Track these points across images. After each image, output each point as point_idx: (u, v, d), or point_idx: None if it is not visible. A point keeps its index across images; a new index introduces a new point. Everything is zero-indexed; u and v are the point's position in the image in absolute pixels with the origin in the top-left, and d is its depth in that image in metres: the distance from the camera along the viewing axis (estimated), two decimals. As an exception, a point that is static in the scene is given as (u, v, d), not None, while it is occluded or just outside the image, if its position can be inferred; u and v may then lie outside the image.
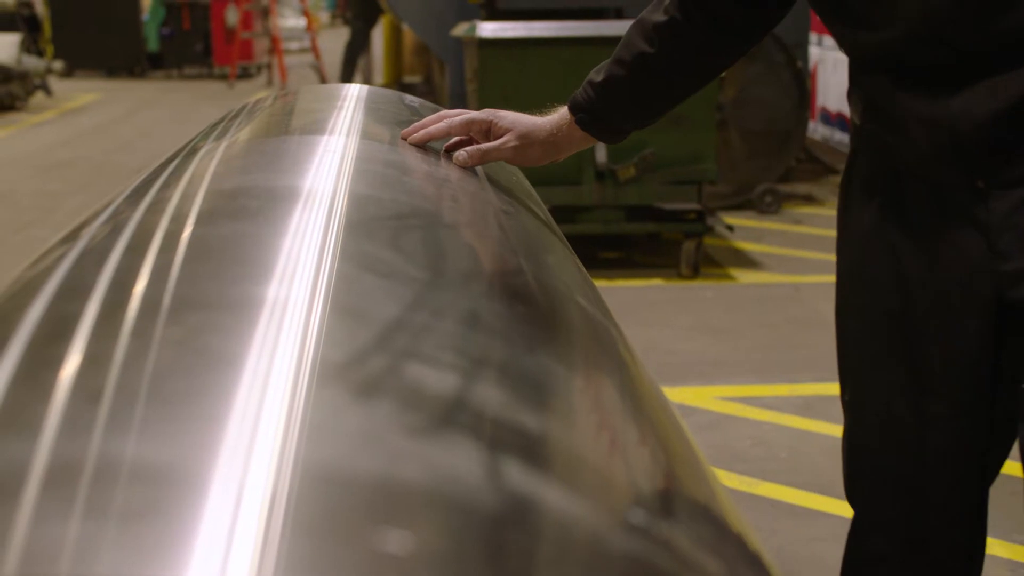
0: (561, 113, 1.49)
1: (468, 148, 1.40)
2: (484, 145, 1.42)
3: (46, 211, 6.32)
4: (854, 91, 1.42)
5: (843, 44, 1.39)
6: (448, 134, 1.41)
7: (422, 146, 1.39)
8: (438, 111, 1.84)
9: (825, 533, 2.80)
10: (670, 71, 1.46)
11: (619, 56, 1.46)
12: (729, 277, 5.10)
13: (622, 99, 1.46)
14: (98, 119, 10.40)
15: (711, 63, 1.51)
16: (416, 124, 1.40)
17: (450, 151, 1.42)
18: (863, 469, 1.66)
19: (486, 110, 1.45)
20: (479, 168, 1.48)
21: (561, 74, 5.05)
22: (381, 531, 0.46)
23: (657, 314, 4.51)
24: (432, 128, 1.40)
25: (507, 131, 1.43)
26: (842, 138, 8.24)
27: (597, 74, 1.49)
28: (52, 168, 7.81)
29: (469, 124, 1.43)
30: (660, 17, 1.43)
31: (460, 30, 5.39)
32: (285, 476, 0.48)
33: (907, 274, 1.40)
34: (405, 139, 1.38)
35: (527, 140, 1.45)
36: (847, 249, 1.51)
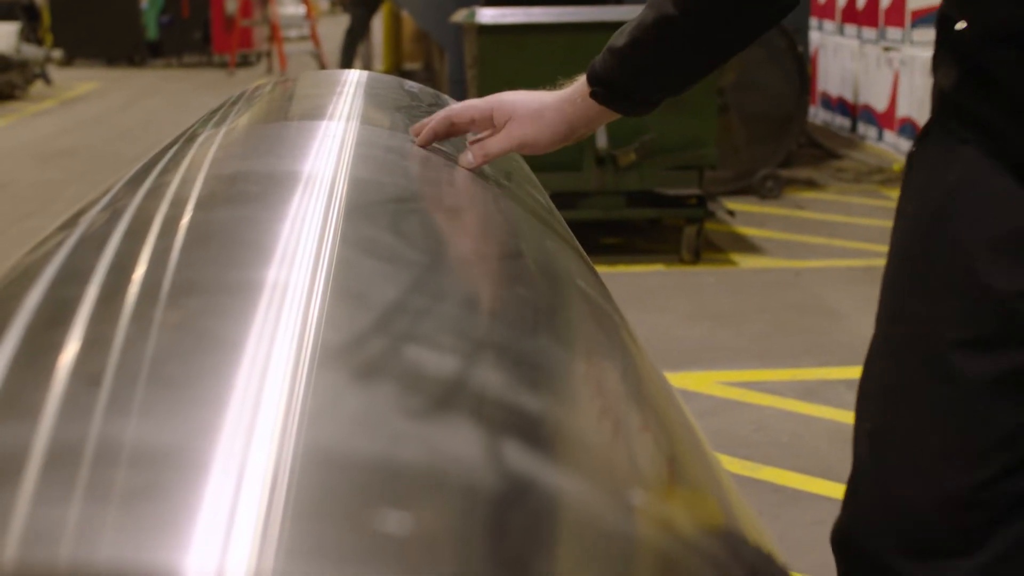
0: (574, 87, 1.32)
1: (473, 148, 1.27)
2: (488, 141, 1.28)
3: (46, 200, 6.32)
4: (950, 57, 1.23)
5: (964, 8, 1.21)
6: (452, 129, 1.29)
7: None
8: (438, 96, 1.84)
9: (827, 517, 2.80)
10: (701, 32, 1.28)
11: (642, 18, 1.29)
12: (730, 262, 5.10)
13: (647, 66, 1.29)
14: (98, 108, 10.39)
15: (747, 20, 1.31)
16: (415, 127, 1.29)
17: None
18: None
19: (487, 98, 1.31)
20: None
21: (561, 60, 5.04)
22: (382, 513, 0.46)
23: (658, 299, 4.51)
24: (432, 123, 1.27)
25: (509, 118, 1.29)
26: (843, 123, 8.23)
27: (619, 38, 1.31)
28: (52, 157, 7.80)
29: (471, 122, 1.30)
30: None
31: (459, 16, 5.38)
32: (286, 458, 0.48)
33: (982, 283, 1.19)
34: (416, 135, 1.28)
35: (535, 125, 1.29)
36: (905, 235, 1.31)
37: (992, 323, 1.19)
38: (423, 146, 1.26)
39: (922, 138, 1.30)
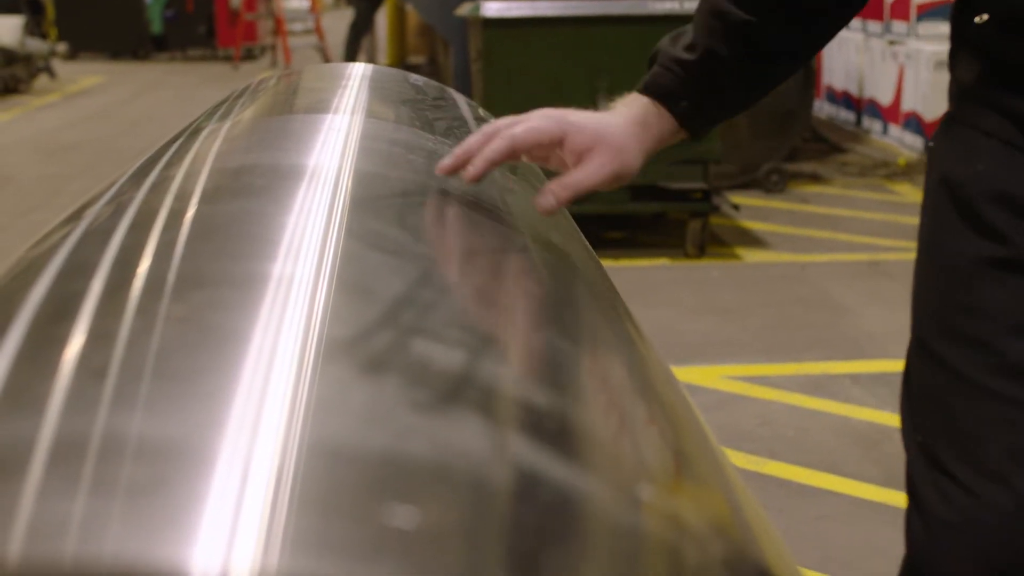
0: (639, 109, 1.17)
1: (554, 187, 1.09)
2: (573, 177, 1.10)
3: (50, 194, 6.32)
4: (970, 51, 1.20)
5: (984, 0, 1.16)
6: (512, 157, 1.08)
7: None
8: (443, 90, 1.83)
9: (832, 511, 2.80)
10: (775, 44, 1.19)
11: (711, 26, 1.18)
12: (735, 257, 5.09)
13: (724, 80, 1.19)
14: (102, 102, 10.40)
15: (827, 17, 1.23)
16: (460, 152, 1.06)
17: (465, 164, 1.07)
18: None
19: (551, 121, 1.11)
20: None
21: (566, 54, 5.03)
22: (389, 507, 0.46)
23: (663, 294, 4.51)
24: (489, 152, 1.06)
25: (590, 148, 1.11)
26: (848, 116, 8.21)
27: (679, 49, 1.19)
28: (56, 151, 7.81)
29: (535, 144, 1.10)
30: None
31: (464, 10, 5.37)
32: (292, 452, 0.48)
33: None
34: (446, 173, 1.05)
35: (620, 157, 1.13)
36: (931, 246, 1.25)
37: None
38: (477, 179, 1.05)
39: (941, 133, 1.27)
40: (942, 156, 1.25)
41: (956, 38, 1.24)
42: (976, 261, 1.19)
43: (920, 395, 1.30)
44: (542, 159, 1.14)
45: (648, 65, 1.22)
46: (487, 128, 1.08)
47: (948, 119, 1.26)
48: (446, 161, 1.05)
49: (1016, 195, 1.15)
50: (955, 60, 1.25)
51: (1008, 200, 1.15)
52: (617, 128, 1.14)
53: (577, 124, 1.11)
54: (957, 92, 1.25)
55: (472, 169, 1.04)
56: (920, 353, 1.29)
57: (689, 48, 1.18)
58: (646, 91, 1.18)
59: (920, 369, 1.29)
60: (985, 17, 1.17)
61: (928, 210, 1.27)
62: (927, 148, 1.31)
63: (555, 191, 1.09)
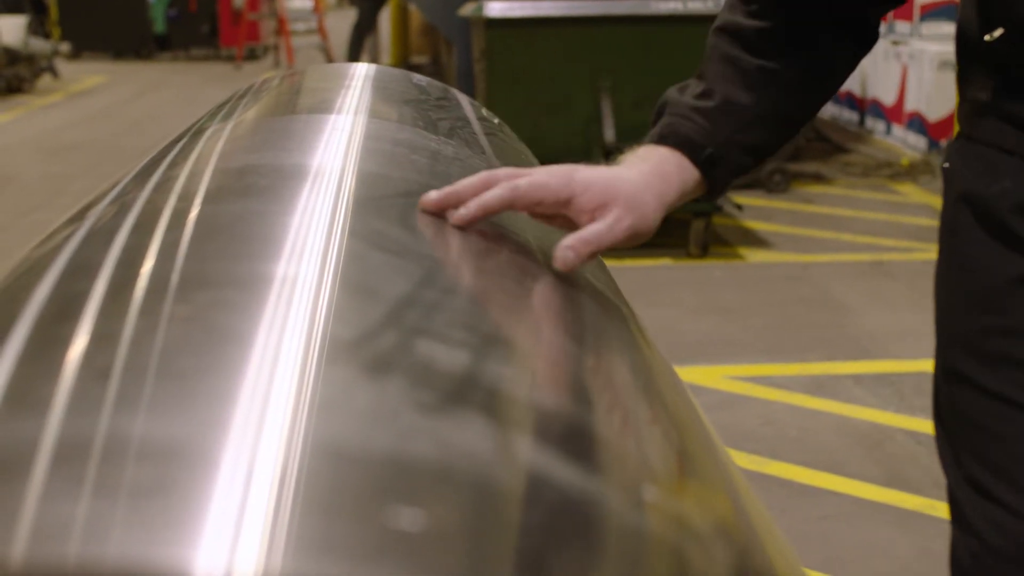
0: (657, 160, 1.09)
1: (571, 242, 0.97)
2: (591, 232, 1.00)
3: (53, 194, 6.33)
4: (983, 68, 1.18)
5: (999, 15, 1.14)
6: (509, 208, 0.99)
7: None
8: (446, 90, 1.83)
9: (835, 511, 2.80)
10: (795, 83, 1.16)
11: (723, 73, 1.14)
12: (738, 256, 5.09)
13: (746, 126, 1.13)
14: (105, 101, 10.41)
15: (844, 52, 1.20)
16: (451, 191, 0.95)
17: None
18: None
19: (557, 174, 1.01)
20: (487, 147, 1.46)
21: (569, 54, 5.03)
22: (393, 508, 0.46)
23: (666, 294, 4.51)
24: (488, 198, 0.96)
25: (603, 204, 1.01)
26: (851, 117, 8.21)
27: (689, 96, 1.14)
28: (60, 151, 7.81)
29: (538, 201, 1.00)
30: (752, 22, 1.16)
31: (467, 10, 5.37)
32: (295, 453, 0.48)
33: None
34: (429, 211, 0.94)
35: (640, 210, 1.04)
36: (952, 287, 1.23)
37: None
38: (466, 223, 0.94)
39: (957, 153, 1.24)
40: (961, 175, 1.22)
41: (966, 56, 1.21)
42: (1012, 280, 1.15)
43: (958, 425, 1.24)
44: (544, 218, 1.04)
45: (655, 117, 1.15)
46: (485, 174, 0.99)
47: (962, 138, 1.24)
48: (433, 195, 0.94)
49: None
50: (966, 79, 1.22)
51: None
52: (631, 183, 1.05)
53: (585, 182, 1.01)
54: (970, 111, 1.22)
55: (465, 211, 0.94)
56: (952, 381, 1.24)
57: (703, 95, 1.13)
58: (663, 141, 1.10)
59: (954, 398, 1.24)
60: (998, 33, 1.14)
61: (949, 231, 1.24)
62: (942, 170, 1.27)
63: (575, 247, 0.97)
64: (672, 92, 1.16)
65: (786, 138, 1.19)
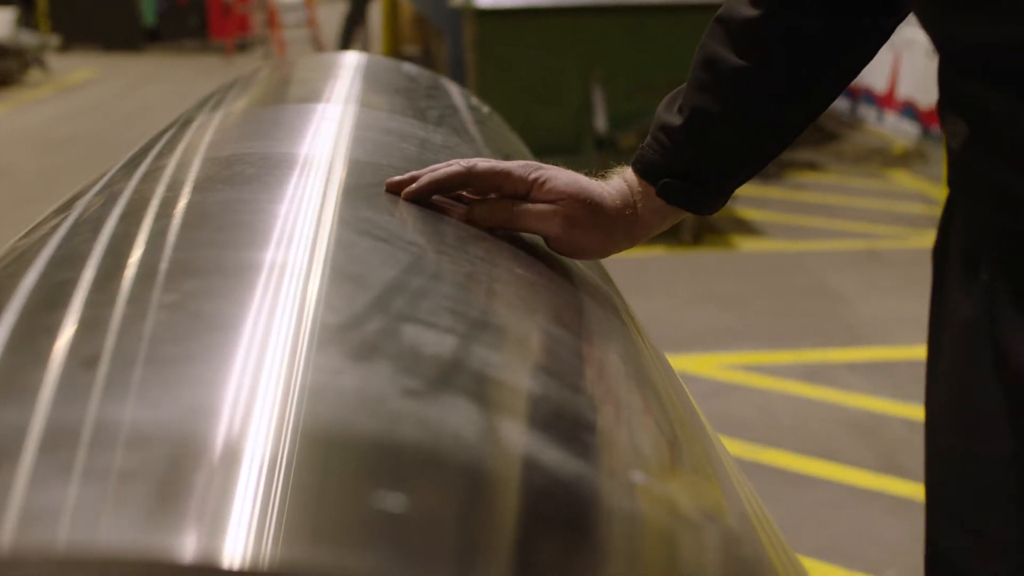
0: (623, 180, 1.02)
1: (494, 203, 0.96)
2: (522, 206, 0.96)
3: (45, 188, 6.31)
4: (954, 107, 0.93)
5: (951, 39, 0.90)
6: (462, 186, 0.96)
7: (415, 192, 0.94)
8: (436, 79, 1.83)
9: (828, 498, 2.81)
10: (779, 89, 1.00)
11: (700, 80, 1.00)
12: (731, 245, 5.09)
13: (719, 143, 1.00)
14: (95, 94, 10.38)
15: (838, 61, 1.02)
16: (416, 172, 0.95)
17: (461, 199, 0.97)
18: None
19: (525, 162, 0.98)
20: (477, 136, 1.45)
21: (560, 44, 5.02)
22: (381, 493, 0.45)
23: (659, 283, 4.51)
24: (439, 173, 0.94)
25: (560, 196, 0.97)
26: (842, 104, 8.21)
27: (670, 113, 1.02)
28: (50, 145, 7.79)
29: (497, 176, 0.96)
30: (749, 11, 0.99)
31: (458, 0, 5.35)
32: (284, 438, 0.48)
33: None
34: (391, 191, 0.93)
35: (588, 211, 0.98)
36: (943, 352, 1.00)
37: None
38: (413, 197, 0.93)
39: (941, 227, 1.03)
40: (940, 255, 1.02)
41: (946, 88, 0.96)
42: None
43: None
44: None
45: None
46: (456, 160, 0.97)
47: (945, 205, 1.03)
48: (396, 177, 0.94)
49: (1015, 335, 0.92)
50: (943, 118, 0.97)
51: None
52: (601, 191, 0.99)
53: (551, 171, 0.97)
54: (950, 165, 0.98)
55: (415, 185, 0.92)
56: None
57: (678, 110, 1.01)
58: (633, 165, 1.03)
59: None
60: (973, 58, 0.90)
61: (934, 332, 1.04)
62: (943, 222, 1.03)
63: (492, 207, 0.95)
64: (664, 101, 1.05)
65: (769, 154, 1.04)
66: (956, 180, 0.97)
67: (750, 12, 0.99)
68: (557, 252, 1.00)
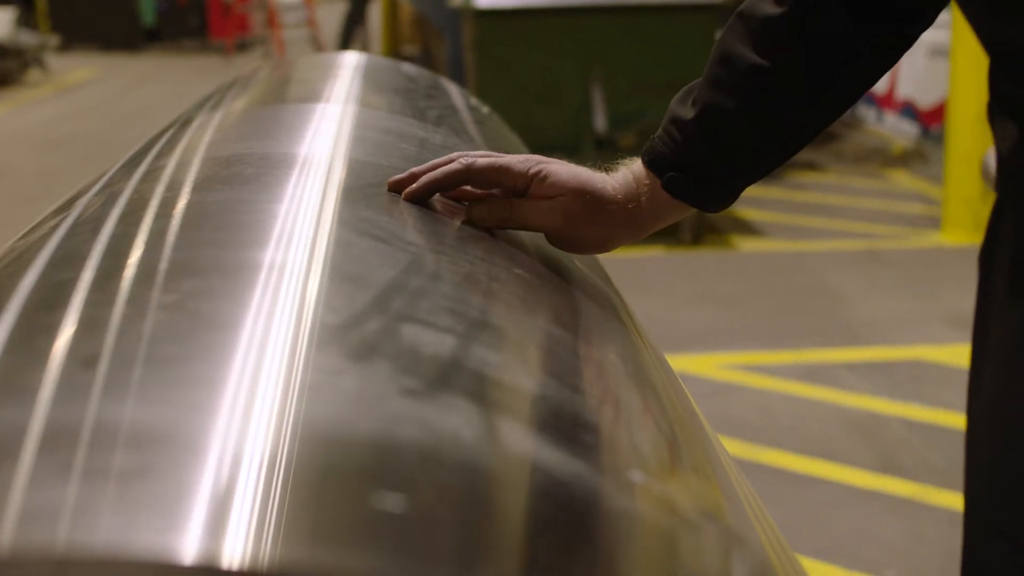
0: (631, 173, 1.00)
1: (493, 203, 0.95)
2: (521, 203, 0.95)
3: (45, 188, 6.31)
4: (1003, 110, 0.94)
5: (1000, 42, 0.92)
6: (462, 183, 0.96)
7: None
8: (436, 79, 1.83)
9: (828, 498, 2.81)
10: (797, 90, 0.98)
11: (715, 76, 0.98)
12: (731, 245, 5.09)
13: (730, 140, 0.99)
14: (95, 94, 10.37)
15: (859, 66, 1.00)
16: (416, 170, 0.94)
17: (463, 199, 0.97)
18: None
19: (526, 156, 0.98)
20: (476, 136, 1.45)
21: (560, 44, 5.02)
22: (380, 492, 0.45)
23: (658, 282, 4.51)
24: (439, 172, 0.93)
25: (560, 191, 0.95)
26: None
27: (683, 107, 1.00)
28: (50, 144, 7.79)
29: (496, 171, 0.95)
30: (772, 9, 0.97)
31: (457, 0, 5.35)
32: (284, 438, 0.48)
33: None
34: (393, 190, 0.93)
35: (589, 206, 0.96)
36: (987, 356, 1.00)
37: None
38: (413, 198, 0.93)
39: (988, 233, 1.03)
40: (987, 262, 1.03)
41: (996, 92, 0.99)
42: None
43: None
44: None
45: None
46: (453, 155, 0.96)
47: (992, 211, 1.04)
48: (397, 176, 0.94)
49: None
50: (994, 122, 1.00)
51: None
52: (603, 184, 0.98)
53: (553, 166, 0.96)
54: (1000, 169, 1.00)
55: (415, 186, 0.92)
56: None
57: (691, 104, 1.00)
58: (642, 156, 1.01)
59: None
60: None
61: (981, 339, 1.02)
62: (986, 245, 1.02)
63: (491, 206, 0.94)
64: (677, 95, 1.03)
65: (781, 156, 1.04)
66: (1005, 183, 0.96)
67: (773, 10, 0.97)
68: (557, 247, 0.99)
